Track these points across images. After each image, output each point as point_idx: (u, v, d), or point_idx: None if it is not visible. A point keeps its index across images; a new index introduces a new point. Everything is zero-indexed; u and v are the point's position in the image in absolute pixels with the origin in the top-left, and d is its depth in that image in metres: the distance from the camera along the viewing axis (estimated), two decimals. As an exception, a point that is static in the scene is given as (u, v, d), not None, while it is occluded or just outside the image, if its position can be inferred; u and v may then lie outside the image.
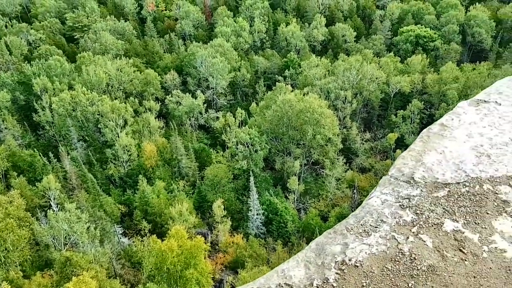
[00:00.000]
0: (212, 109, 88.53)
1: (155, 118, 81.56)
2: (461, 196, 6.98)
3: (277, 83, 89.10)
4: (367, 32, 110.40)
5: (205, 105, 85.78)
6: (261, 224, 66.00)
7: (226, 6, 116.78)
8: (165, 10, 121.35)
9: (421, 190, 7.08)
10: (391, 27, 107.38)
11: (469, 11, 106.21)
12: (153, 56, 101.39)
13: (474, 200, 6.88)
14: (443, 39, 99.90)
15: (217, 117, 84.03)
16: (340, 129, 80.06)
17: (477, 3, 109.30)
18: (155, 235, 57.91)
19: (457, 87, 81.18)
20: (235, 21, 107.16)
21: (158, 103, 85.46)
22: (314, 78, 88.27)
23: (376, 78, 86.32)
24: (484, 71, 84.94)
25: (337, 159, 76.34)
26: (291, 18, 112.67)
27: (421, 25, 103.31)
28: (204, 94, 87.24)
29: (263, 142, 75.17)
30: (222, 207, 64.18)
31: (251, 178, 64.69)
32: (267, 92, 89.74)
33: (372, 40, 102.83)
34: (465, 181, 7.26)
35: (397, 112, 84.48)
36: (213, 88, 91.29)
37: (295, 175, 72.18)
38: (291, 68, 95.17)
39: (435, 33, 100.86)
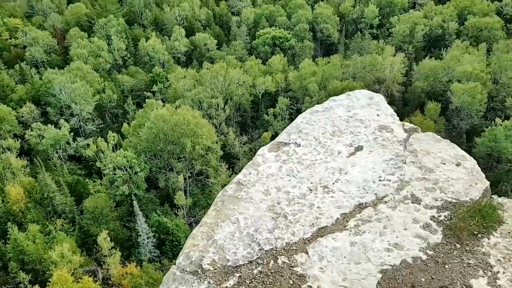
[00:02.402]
0: (81, 137, 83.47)
1: (17, 157, 74.35)
2: (253, 280, 6.02)
3: (146, 99, 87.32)
4: (227, 38, 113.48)
5: (72, 134, 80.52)
6: (153, 247, 64.06)
7: (79, 27, 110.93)
8: (10, 38, 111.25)
9: (209, 283, 6.06)
10: (248, 31, 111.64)
11: (315, 9, 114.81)
12: (3, 90, 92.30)
13: (268, 282, 5.98)
14: (296, 38, 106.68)
15: (88, 145, 79.48)
16: (218, 136, 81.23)
17: (320, 1, 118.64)
18: (37, 285, 53.20)
19: (316, 80, 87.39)
20: (90, 42, 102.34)
21: (17, 140, 78.10)
22: (183, 90, 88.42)
23: (244, 82, 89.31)
24: (337, 63, 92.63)
25: (220, 166, 77.29)
26: (150, 32, 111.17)
27: (276, 27, 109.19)
28: (68, 123, 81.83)
29: (142, 162, 73.10)
30: (108, 238, 60.98)
31: (135, 202, 62.52)
32: (137, 111, 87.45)
33: (233, 46, 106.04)
34: (258, 258, 6.30)
35: (268, 111, 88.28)
36: (78, 115, 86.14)
37: (180, 190, 71.45)
38: (158, 82, 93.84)
39: (289, 33, 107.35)
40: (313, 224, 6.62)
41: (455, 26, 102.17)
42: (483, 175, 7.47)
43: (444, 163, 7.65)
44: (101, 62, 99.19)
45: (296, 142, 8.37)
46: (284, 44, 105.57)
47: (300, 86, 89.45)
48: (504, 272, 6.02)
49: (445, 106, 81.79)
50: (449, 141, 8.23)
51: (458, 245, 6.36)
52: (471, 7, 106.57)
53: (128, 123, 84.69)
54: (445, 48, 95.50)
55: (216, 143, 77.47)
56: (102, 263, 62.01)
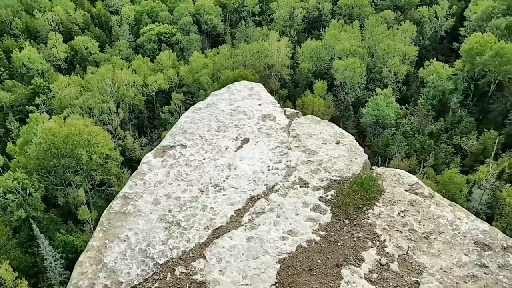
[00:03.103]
0: (-41, 166, 75.26)
1: None
2: None
3: (30, 114, 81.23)
4: (109, 39, 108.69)
5: None
6: (63, 269, 60.70)
7: None
8: None
9: None
10: (131, 30, 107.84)
11: (196, 1, 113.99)
12: None
13: None
14: (182, 32, 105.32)
15: (-31, 173, 72.06)
16: (115, 142, 78.32)
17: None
18: None
19: (208, 72, 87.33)
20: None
21: None
22: (70, 99, 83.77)
23: (134, 82, 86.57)
24: (226, 53, 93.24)
25: (122, 172, 74.92)
26: (23, 41, 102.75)
27: (159, 23, 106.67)
28: None
29: (35, 181, 68.44)
30: (11, 269, 56.61)
31: (34, 225, 58.63)
32: (21, 127, 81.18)
33: (117, 47, 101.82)
34: (154, 273, 5.96)
35: (163, 109, 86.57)
36: (-49, 142, 77.42)
37: (83, 204, 68.27)
38: (40, 94, 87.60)
39: (173, 28, 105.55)
40: (208, 226, 6.39)
41: (330, 6, 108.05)
42: (361, 149, 7.86)
43: (326, 143, 7.90)
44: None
45: (181, 144, 8.03)
46: (170, 39, 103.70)
47: (193, 79, 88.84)
48: (390, 239, 6.41)
49: (331, 83, 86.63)
50: (327, 121, 8.53)
51: (347, 221, 6.63)
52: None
53: (13, 142, 78.55)
54: (324, 28, 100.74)
55: (115, 149, 74.86)
56: (6, 297, 57.30)
